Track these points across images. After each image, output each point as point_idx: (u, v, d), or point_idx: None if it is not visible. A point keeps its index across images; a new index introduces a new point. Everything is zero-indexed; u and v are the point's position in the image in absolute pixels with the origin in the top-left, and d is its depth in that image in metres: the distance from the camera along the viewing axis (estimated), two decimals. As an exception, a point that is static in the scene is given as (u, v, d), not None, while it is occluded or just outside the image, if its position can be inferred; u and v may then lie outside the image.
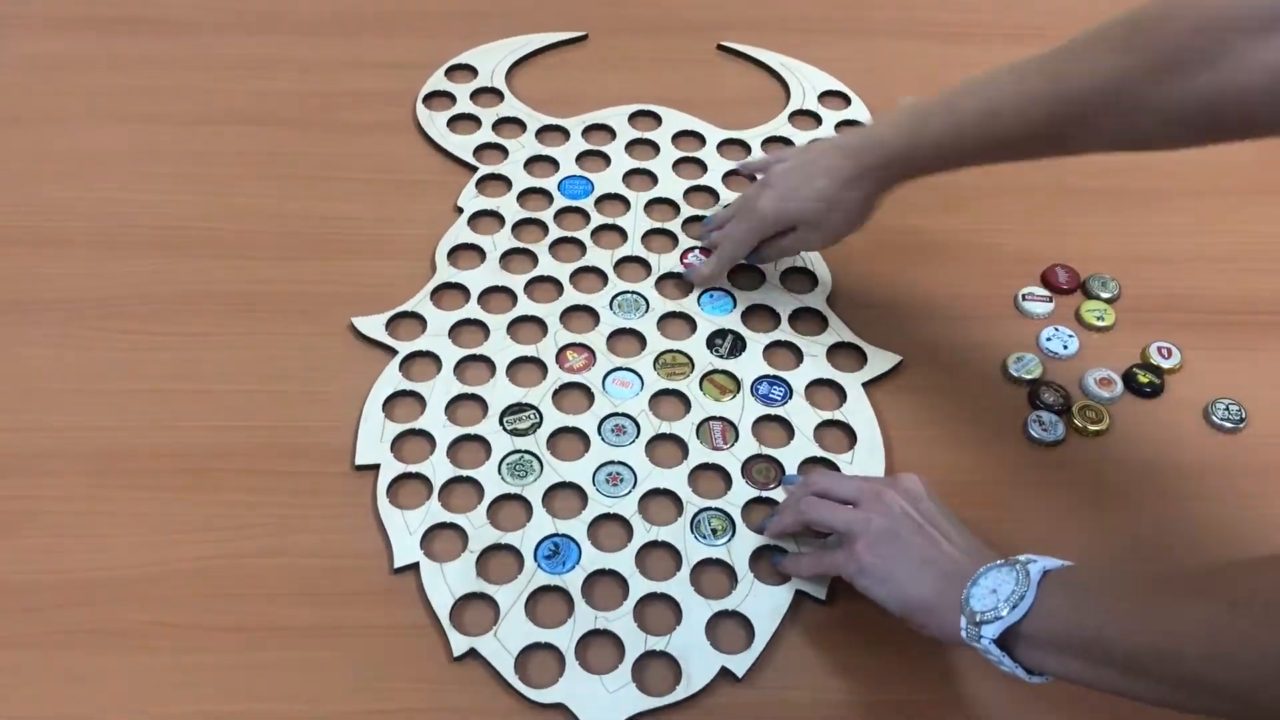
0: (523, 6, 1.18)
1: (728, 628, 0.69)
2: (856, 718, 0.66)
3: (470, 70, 1.09)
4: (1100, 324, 0.88)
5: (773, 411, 0.80)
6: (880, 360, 0.84)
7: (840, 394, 0.81)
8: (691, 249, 0.92)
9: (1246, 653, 0.48)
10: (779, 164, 0.84)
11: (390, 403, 0.79)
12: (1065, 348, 0.86)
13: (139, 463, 0.76)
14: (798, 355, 0.84)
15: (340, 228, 0.93)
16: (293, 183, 0.96)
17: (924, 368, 0.84)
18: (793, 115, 1.06)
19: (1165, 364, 0.85)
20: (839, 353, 0.84)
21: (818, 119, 1.06)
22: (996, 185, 0.94)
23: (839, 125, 1.05)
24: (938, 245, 0.93)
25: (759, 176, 0.87)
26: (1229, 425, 0.81)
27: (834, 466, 0.77)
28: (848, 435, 0.79)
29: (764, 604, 0.69)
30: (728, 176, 0.99)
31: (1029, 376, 0.83)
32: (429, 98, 1.06)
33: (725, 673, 0.66)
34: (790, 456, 0.77)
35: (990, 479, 0.78)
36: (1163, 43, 0.63)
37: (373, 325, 0.84)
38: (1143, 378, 0.84)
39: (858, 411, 0.80)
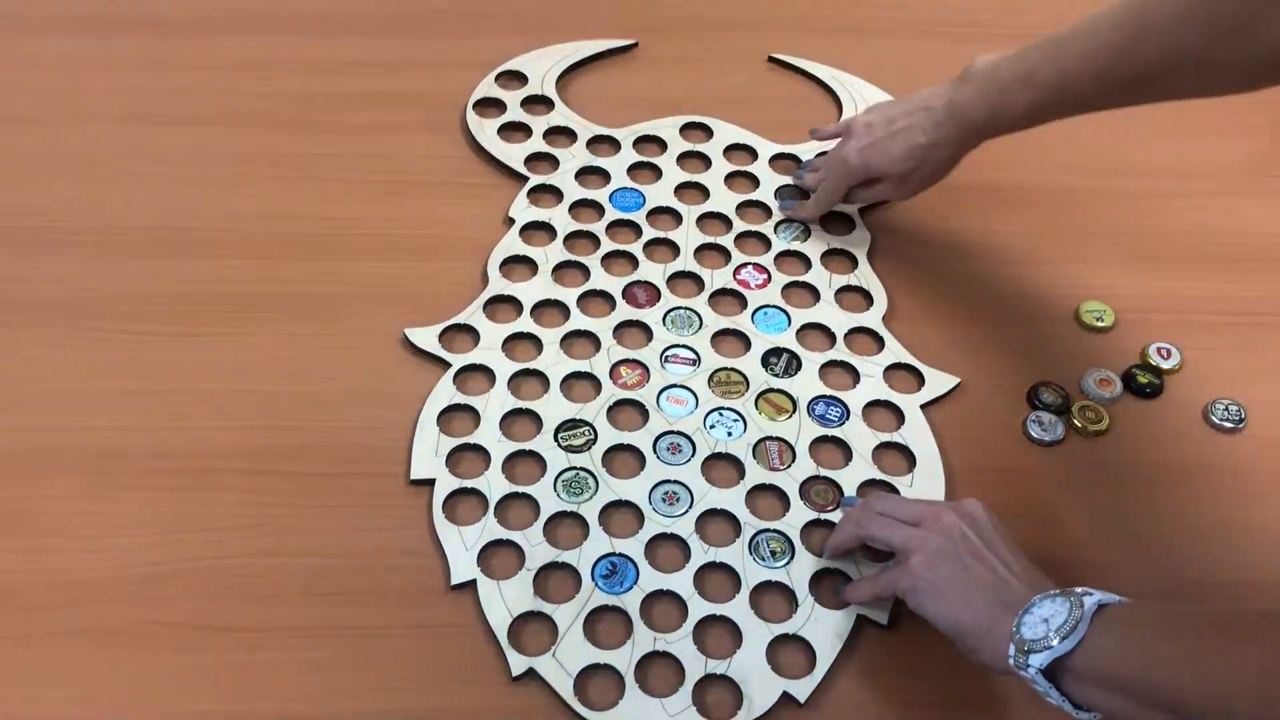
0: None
1: (788, 652, 0.69)
2: (921, 745, 0.67)
3: (520, 77, 1.11)
4: (1100, 324, 0.91)
5: (830, 432, 0.81)
6: (939, 382, 0.85)
7: (898, 415, 0.83)
8: (744, 264, 0.94)
9: None
10: (864, 117, 0.94)
11: (444, 416, 0.80)
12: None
13: (139, 463, 0.77)
14: (854, 375, 0.86)
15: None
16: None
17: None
18: None
19: (1165, 364, 0.88)
20: (896, 373, 0.86)
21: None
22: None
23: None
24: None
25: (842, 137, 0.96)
26: (1229, 425, 0.84)
27: (893, 489, 0.78)
28: (906, 458, 0.81)
29: (826, 628, 0.70)
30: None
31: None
32: (479, 104, 1.08)
33: (787, 698, 0.67)
34: (848, 478, 0.79)
35: (990, 479, 0.80)
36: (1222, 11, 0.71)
37: (426, 337, 0.85)
38: (1142, 378, 0.87)
39: (917, 434, 0.82)
